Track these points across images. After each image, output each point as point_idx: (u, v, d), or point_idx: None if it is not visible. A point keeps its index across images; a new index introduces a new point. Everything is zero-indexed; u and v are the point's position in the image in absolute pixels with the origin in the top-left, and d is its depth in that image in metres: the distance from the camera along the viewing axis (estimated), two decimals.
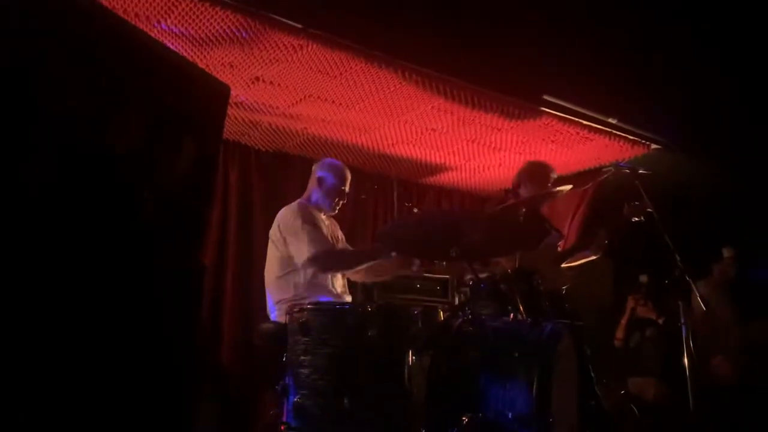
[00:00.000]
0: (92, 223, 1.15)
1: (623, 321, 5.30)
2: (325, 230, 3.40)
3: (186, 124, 1.24)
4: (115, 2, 3.02)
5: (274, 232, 3.39)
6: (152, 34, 3.17)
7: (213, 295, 4.54)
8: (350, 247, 3.68)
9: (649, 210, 3.50)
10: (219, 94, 1.30)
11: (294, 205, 3.46)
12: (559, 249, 3.90)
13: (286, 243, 3.29)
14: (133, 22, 3.05)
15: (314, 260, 3.19)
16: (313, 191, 3.56)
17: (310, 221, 3.30)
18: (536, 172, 3.84)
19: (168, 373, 1.22)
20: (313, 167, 3.64)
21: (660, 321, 5.19)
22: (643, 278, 5.25)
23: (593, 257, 3.67)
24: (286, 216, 3.38)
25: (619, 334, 5.30)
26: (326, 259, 3.25)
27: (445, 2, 3.28)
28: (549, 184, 3.79)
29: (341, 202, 3.59)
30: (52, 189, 1.09)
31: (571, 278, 3.70)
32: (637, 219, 3.55)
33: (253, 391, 4.28)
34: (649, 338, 5.20)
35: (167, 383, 1.22)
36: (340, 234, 3.67)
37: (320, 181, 3.54)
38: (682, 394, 3.07)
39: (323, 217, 3.54)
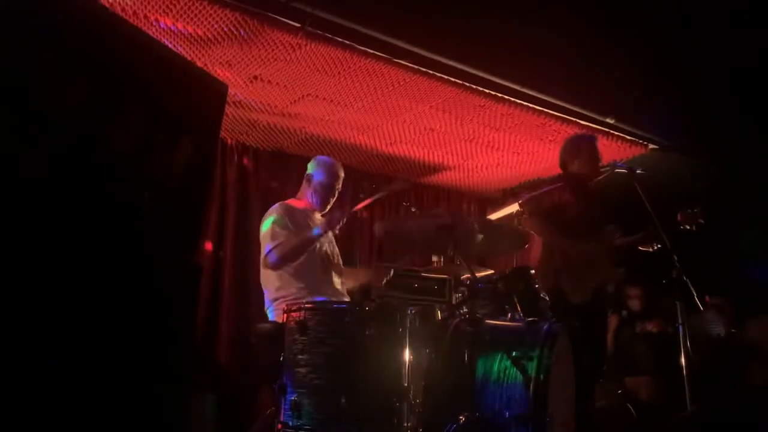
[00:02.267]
0: (89, 222, 1.15)
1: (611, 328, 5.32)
2: (300, 227, 3.33)
3: (183, 123, 1.24)
4: (113, 0, 3.02)
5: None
6: (150, 33, 3.18)
7: (210, 294, 4.54)
8: (334, 246, 3.63)
9: (701, 221, 3.42)
10: (217, 92, 1.30)
11: (276, 204, 3.45)
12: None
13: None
14: (131, 21, 3.05)
15: (265, 259, 3.23)
16: (303, 189, 3.54)
17: (277, 221, 3.29)
18: (583, 146, 3.73)
19: (164, 371, 1.23)
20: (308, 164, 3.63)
21: (651, 324, 5.23)
22: (635, 291, 5.32)
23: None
24: (265, 215, 3.40)
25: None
26: (273, 254, 3.21)
27: (445, 2, 3.28)
28: (599, 156, 3.71)
29: (331, 200, 3.53)
30: (49, 187, 1.09)
31: (621, 274, 3.61)
32: (689, 227, 3.45)
33: (250, 390, 4.28)
34: (641, 336, 5.23)
35: (163, 381, 1.23)
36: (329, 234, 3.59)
37: (308, 178, 3.51)
38: (679, 393, 3.07)
39: (317, 216, 3.50)
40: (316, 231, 3.31)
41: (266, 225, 3.32)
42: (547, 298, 3.33)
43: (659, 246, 3.51)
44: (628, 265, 3.67)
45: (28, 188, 1.06)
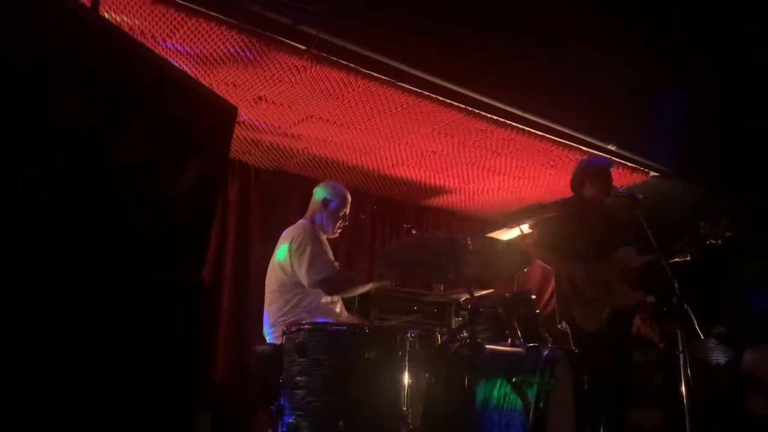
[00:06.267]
0: (93, 237, 1.16)
1: None
2: (330, 253, 3.42)
3: (192, 143, 1.25)
4: (121, 20, 3.05)
5: (280, 252, 3.39)
6: (157, 52, 3.21)
7: (208, 313, 4.51)
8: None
9: (728, 234, 3.28)
10: (226, 114, 1.31)
11: (301, 225, 3.46)
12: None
13: (292, 263, 3.29)
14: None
15: (322, 283, 3.23)
16: (317, 213, 3.56)
17: (318, 243, 3.33)
18: (601, 171, 3.69)
19: (167, 392, 1.22)
20: (315, 189, 3.66)
21: (661, 345, 5.16)
22: (650, 299, 5.22)
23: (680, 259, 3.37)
24: (293, 236, 3.38)
25: None
26: (332, 283, 3.28)
27: (448, 27, 3.32)
28: (612, 182, 3.65)
29: (343, 224, 3.61)
30: (54, 201, 1.09)
31: (640, 296, 3.49)
32: (714, 242, 3.32)
33: (246, 411, 4.24)
34: (653, 363, 5.14)
35: (165, 402, 1.22)
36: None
37: (324, 203, 3.55)
38: (680, 422, 3.04)
39: (324, 238, 3.56)
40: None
41: (301, 249, 3.30)
42: (567, 328, 3.30)
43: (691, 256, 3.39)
44: (648, 287, 3.57)
45: (33, 200, 1.06)
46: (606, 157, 4.00)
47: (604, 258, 3.51)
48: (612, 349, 3.36)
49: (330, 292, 3.30)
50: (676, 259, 3.41)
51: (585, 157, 4.25)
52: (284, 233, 3.47)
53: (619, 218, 3.65)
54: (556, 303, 3.56)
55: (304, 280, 3.23)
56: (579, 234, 3.53)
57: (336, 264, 3.42)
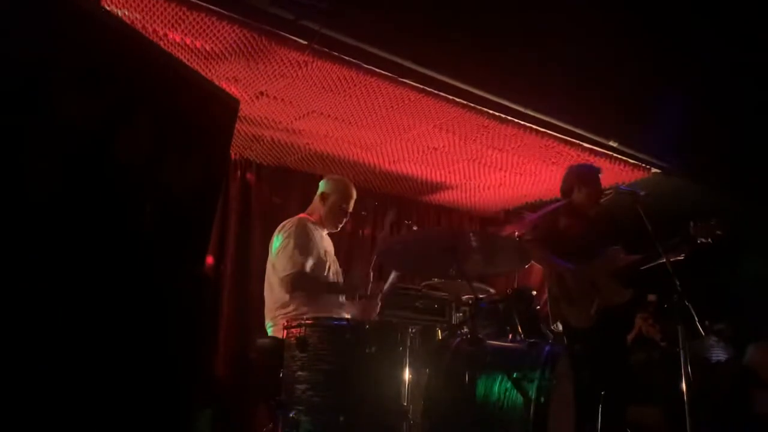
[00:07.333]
0: (95, 233, 1.15)
1: (630, 338, 5.27)
2: (316, 247, 3.37)
3: (195, 136, 1.25)
4: (122, 14, 3.04)
5: (274, 245, 3.39)
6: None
7: (210, 308, 4.52)
8: (337, 264, 3.63)
9: (718, 232, 3.33)
10: (228, 107, 1.31)
11: (293, 219, 3.45)
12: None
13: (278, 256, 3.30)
14: None
15: (285, 280, 3.21)
16: (316, 208, 3.55)
17: (300, 239, 3.28)
18: (591, 177, 3.77)
19: (167, 388, 1.22)
20: (320, 182, 3.64)
21: (663, 343, 5.17)
22: (652, 297, 5.23)
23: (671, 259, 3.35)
24: (282, 230, 3.39)
25: None
26: (296, 281, 3.22)
27: (450, 24, 3.31)
28: (602, 189, 3.72)
29: (344, 220, 3.57)
30: (56, 198, 1.09)
31: (629, 294, 3.53)
32: (705, 240, 3.35)
33: (247, 406, 4.25)
34: (655, 363, 5.14)
35: (166, 397, 1.22)
36: (331, 249, 3.61)
37: (323, 197, 3.53)
38: (681, 421, 3.03)
39: (323, 233, 3.53)
40: (341, 298, 3.36)
41: (285, 242, 3.29)
42: (560, 327, 3.30)
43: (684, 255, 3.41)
44: (637, 285, 3.60)
45: (35, 196, 1.06)
46: (593, 165, 4.03)
47: (591, 257, 3.54)
48: (602, 346, 3.38)
49: (291, 290, 3.23)
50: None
51: (574, 163, 4.28)
52: (279, 226, 3.47)
53: (608, 220, 3.70)
54: (548, 303, 3.59)
55: (278, 274, 3.24)
56: (566, 234, 3.57)
57: (307, 267, 3.28)
